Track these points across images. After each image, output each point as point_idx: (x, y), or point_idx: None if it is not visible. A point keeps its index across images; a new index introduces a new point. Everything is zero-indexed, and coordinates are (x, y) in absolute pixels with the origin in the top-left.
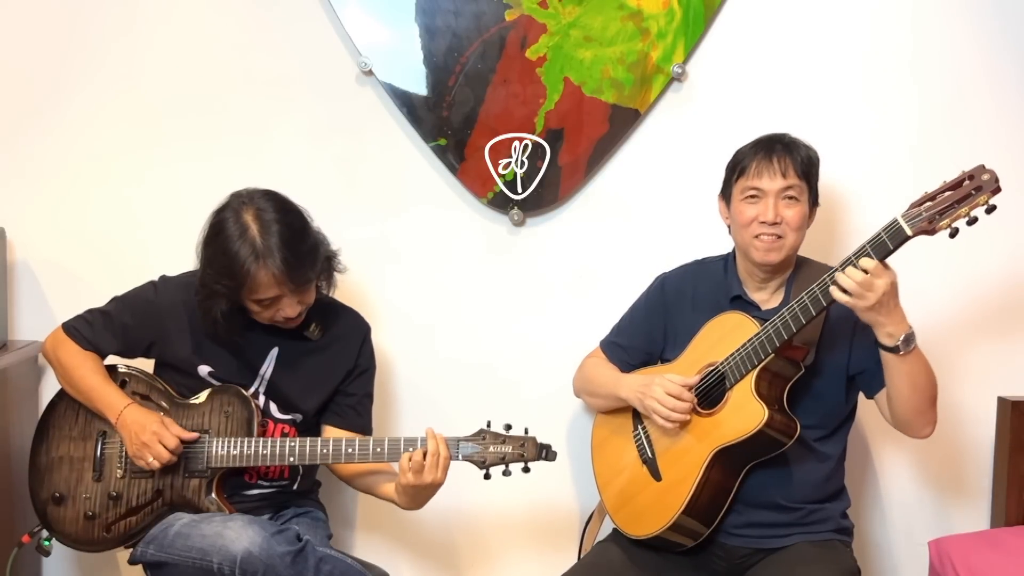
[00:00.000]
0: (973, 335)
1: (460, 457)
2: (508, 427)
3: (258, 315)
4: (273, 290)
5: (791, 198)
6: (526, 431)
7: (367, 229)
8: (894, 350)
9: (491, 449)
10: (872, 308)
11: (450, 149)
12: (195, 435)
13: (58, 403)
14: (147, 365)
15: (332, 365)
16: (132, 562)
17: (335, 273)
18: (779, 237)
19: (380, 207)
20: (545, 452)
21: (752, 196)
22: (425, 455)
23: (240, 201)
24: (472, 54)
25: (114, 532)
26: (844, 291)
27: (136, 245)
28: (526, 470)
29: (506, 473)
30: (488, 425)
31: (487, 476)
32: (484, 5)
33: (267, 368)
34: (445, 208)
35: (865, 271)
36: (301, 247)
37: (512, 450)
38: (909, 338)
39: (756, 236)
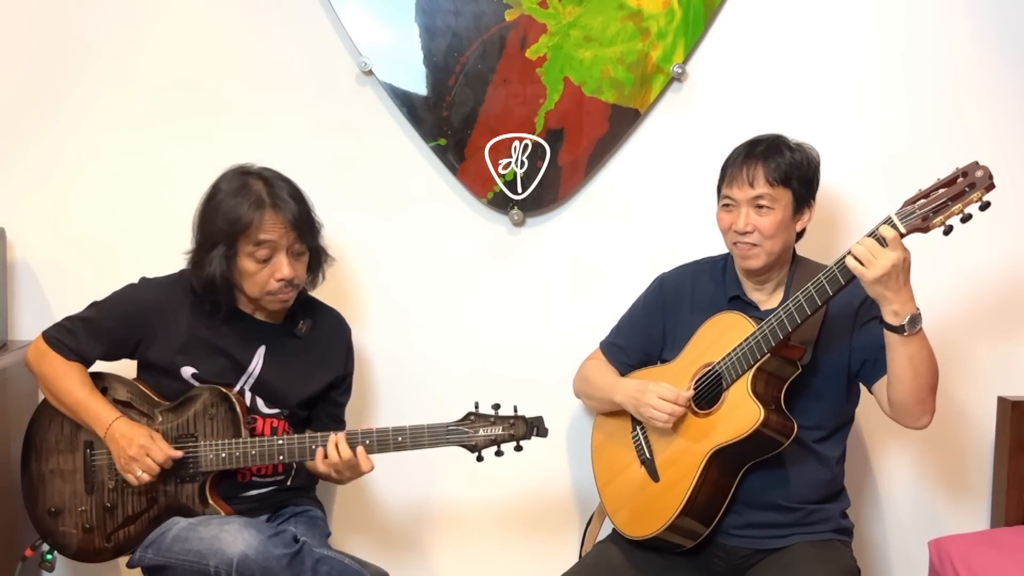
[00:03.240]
0: (973, 335)
1: (447, 443)
2: (496, 407)
3: (251, 279)
4: (276, 231)
5: (763, 206)
6: (515, 409)
7: (367, 229)
8: (899, 330)
9: (481, 432)
10: (879, 280)
11: (450, 149)
12: (181, 454)
13: (42, 415)
14: (129, 367)
15: (319, 364)
16: (131, 566)
17: (324, 265)
18: (754, 245)
19: (380, 207)
20: (536, 428)
21: (727, 204)
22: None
23: (240, 169)
24: (472, 54)
25: (114, 541)
26: (856, 259)
27: (136, 245)
28: (519, 449)
29: (498, 454)
30: (476, 407)
31: (480, 459)
32: (484, 5)
33: (255, 366)
34: (445, 208)
35: (882, 240)
36: (304, 205)
37: (502, 430)
38: (915, 319)
39: (734, 243)
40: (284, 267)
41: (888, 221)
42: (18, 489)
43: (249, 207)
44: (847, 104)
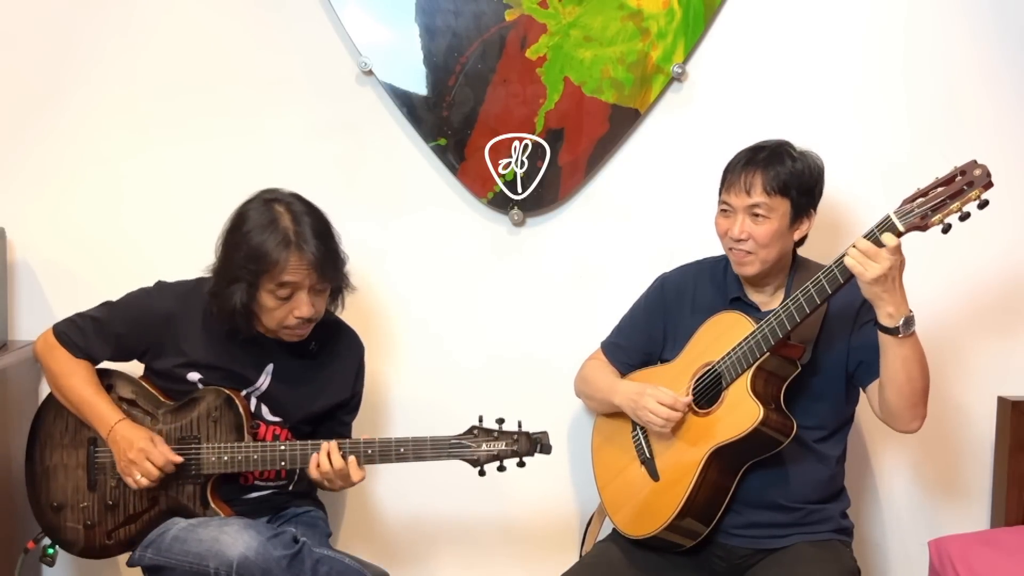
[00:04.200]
0: (973, 335)
1: (450, 457)
2: (501, 421)
3: (270, 314)
4: (299, 274)
5: (758, 215)
6: (519, 425)
7: (367, 229)
8: (893, 331)
9: (483, 447)
10: (876, 281)
11: (450, 149)
12: (181, 459)
13: (47, 410)
14: (136, 364)
15: (327, 385)
16: (131, 565)
17: (344, 293)
18: (748, 252)
19: (380, 207)
20: (539, 446)
21: (724, 210)
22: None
23: (269, 196)
24: (472, 54)
25: (115, 539)
26: (854, 259)
27: (137, 245)
28: (521, 464)
29: (501, 469)
30: (480, 421)
31: (482, 473)
32: (484, 5)
33: (263, 383)
34: (445, 208)
35: (880, 242)
36: (330, 243)
37: (505, 446)
38: (909, 321)
39: (729, 249)
40: (304, 306)
41: (887, 220)
42: (20, 484)
43: (275, 247)
44: (847, 104)
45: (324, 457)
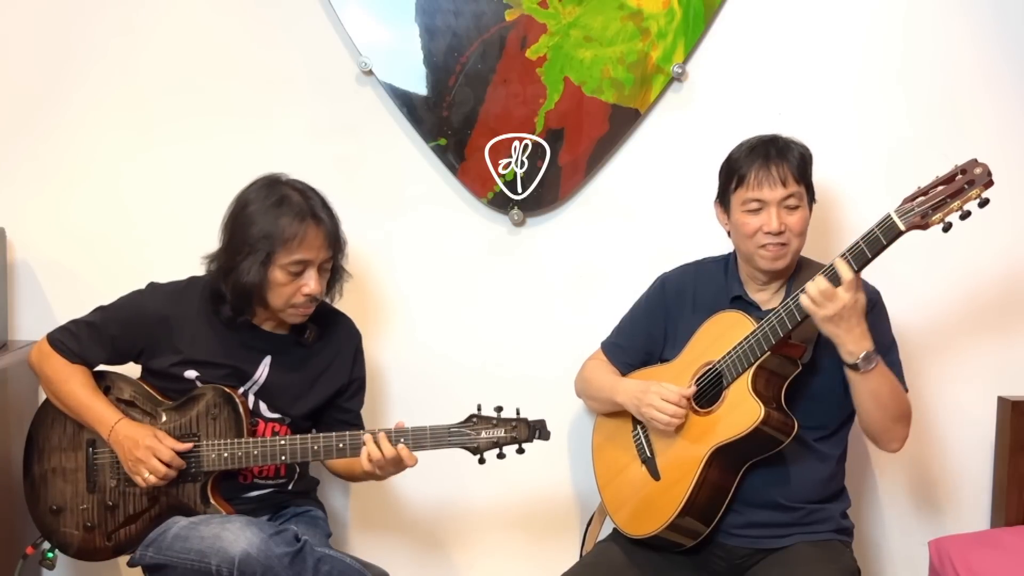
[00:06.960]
0: (973, 335)
1: (450, 445)
2: (499, 409)
3: (279, 290)
4: (314, 248)
5: (792, 206)
6: (517, 412)
7: (367, 229)
8: (854, 367)
9: (483, 435)
10: (831, 320)
11: (450, 149)
12: (189, 446)
13: (44, 415)
14: (133, 365)
15: (325, 372)
16: (132, 564)
17: (342, 281)
18: (783, 245)
19: (380, 207)
20: (539, 431)
21: (754, 208)
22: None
23: (270, 178)
24: (472, 54)
25: (115, 540)
26: (809, 298)
27: (136, 245)
28: (520, 451)
29: (500, 456)
30: (479, 409)
31: (481, 461)
32: (484, 5)
33: (260, 375)
34: (445, 208)
35: (836, 279)
36: (336, 219)
37: (504, 433)
38: (869, 356)
39: (762, 246)
40: (312, 282)
41: (887, 219)
42: (19, 487)
43: (292, 220)
44: (847, 104)
45: (374, 446)
